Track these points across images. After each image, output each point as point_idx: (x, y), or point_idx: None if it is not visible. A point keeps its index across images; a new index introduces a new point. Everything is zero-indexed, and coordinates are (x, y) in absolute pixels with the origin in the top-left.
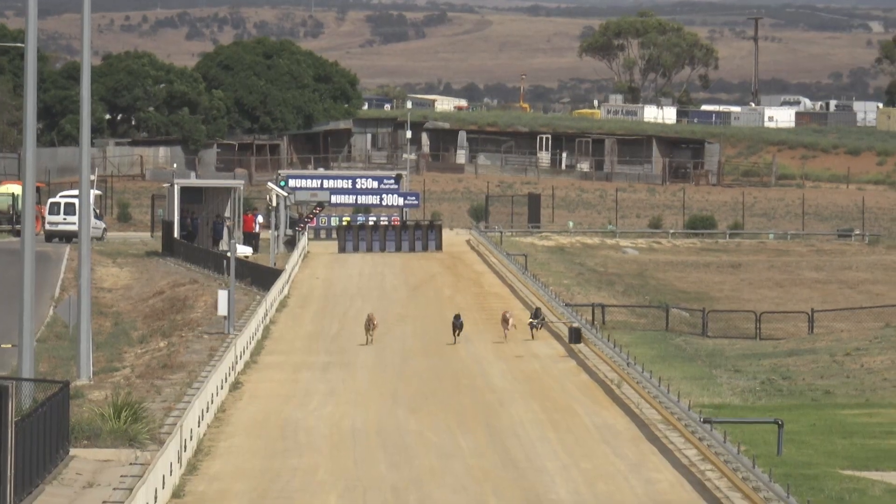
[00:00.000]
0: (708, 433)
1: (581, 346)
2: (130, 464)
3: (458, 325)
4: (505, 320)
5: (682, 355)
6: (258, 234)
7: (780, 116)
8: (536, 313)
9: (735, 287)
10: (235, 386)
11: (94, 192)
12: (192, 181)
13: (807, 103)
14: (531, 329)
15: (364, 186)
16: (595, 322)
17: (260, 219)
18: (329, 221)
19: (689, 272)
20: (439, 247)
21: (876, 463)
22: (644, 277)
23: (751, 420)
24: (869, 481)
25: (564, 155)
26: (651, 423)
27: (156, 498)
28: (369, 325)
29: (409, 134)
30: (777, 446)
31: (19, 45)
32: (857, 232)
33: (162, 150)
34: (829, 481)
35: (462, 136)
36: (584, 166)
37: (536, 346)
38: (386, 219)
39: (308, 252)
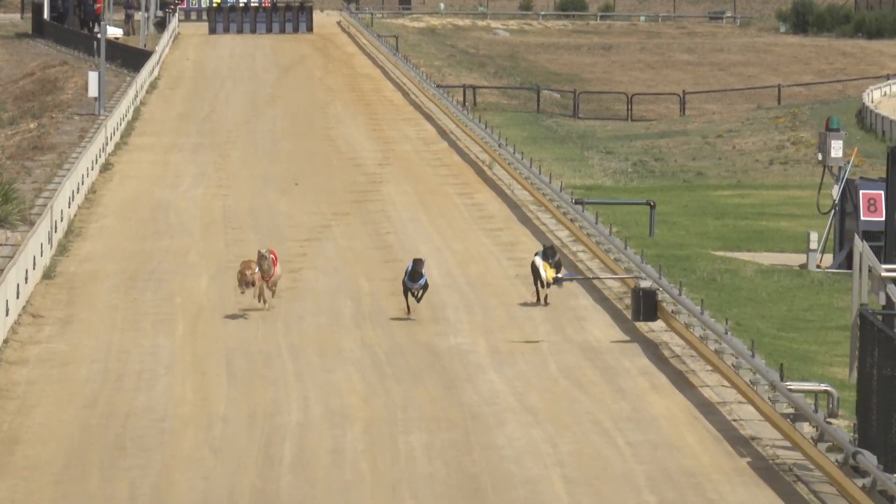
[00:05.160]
0: (579, 214)
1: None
2: (1, 245)
3: (417, 284)
4: (245, 280)
5: (554, 137)
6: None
7: None
8: (548, 253)
9: (606, 69)
10: (106, 167)
11: None
12: None
13: None
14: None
15: None
16: (466, 103)
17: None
18: (199, 3)
19: (560, 54)
20: (310, 28)
21: (747, 244)
22: (515, 59)
23: (623, 201)
24: (740, 262)
25: None
26: (523, 204)
27: (27, 279)
28: (245, 280)
29: None
30: (649, 227)
31: None
32: (729, 14)
33: None
34: (701, 262)
35: None
36: None
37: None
38: (256, 0)
39: (179, 33)
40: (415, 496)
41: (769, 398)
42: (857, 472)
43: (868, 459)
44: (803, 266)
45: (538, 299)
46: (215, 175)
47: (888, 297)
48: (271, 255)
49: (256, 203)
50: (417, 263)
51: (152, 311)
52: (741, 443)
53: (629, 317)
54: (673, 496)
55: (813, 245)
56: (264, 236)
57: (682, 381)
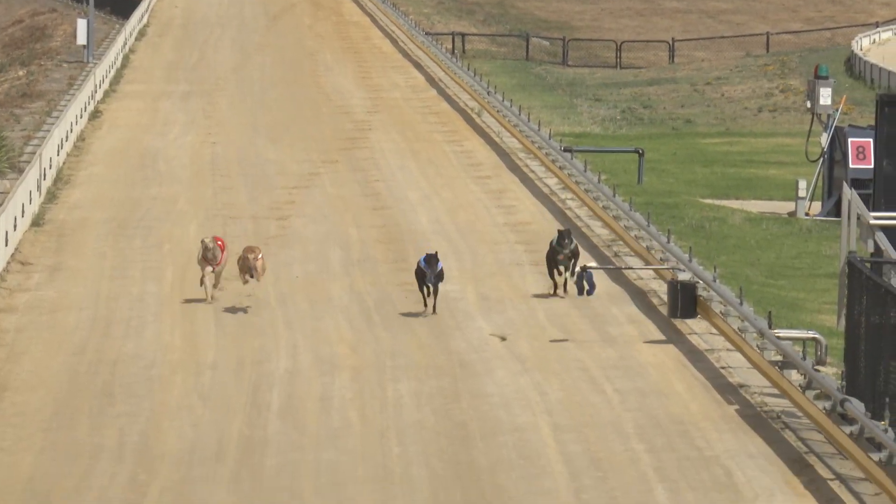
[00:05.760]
0: (568, 162)
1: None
2: None
3: (433, 277)
4: (246, 267)
5: (543, 84)
6: None
7: None
8: (564, 237)
9: (595, 16)
10: (95, 115)
11: None
12: None
13: None
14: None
15: None
16: (455, 51)
17: None
18: None
19: (549, 1)
20: None
21: (736, 191)
22: (504, 6)
23: (612, 149)
24: (729, 209)
25: None
26: (512, 152)
27: (15, 226)
28: (246, 265)
29: None
30: (637, 175)
31: None
32: None
33: None
34: (689, 209)
35: None
36: None
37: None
38: None
39: None
40: (402, 443)
41: (757, 346)
42: (845, 419)
43: (856, 407)
44: (792, 214)
45: (555, 290)
46: (204, 123)
47: (876, 245)
48: (218, 244)
49: (245, 151)
50: (434, 261)
51: (141, 259)
52: (729, 390)
53: (666, 314)
54: (661, 443)
55: (801, 193)
56: (253, 184)
57: (670, 329)
